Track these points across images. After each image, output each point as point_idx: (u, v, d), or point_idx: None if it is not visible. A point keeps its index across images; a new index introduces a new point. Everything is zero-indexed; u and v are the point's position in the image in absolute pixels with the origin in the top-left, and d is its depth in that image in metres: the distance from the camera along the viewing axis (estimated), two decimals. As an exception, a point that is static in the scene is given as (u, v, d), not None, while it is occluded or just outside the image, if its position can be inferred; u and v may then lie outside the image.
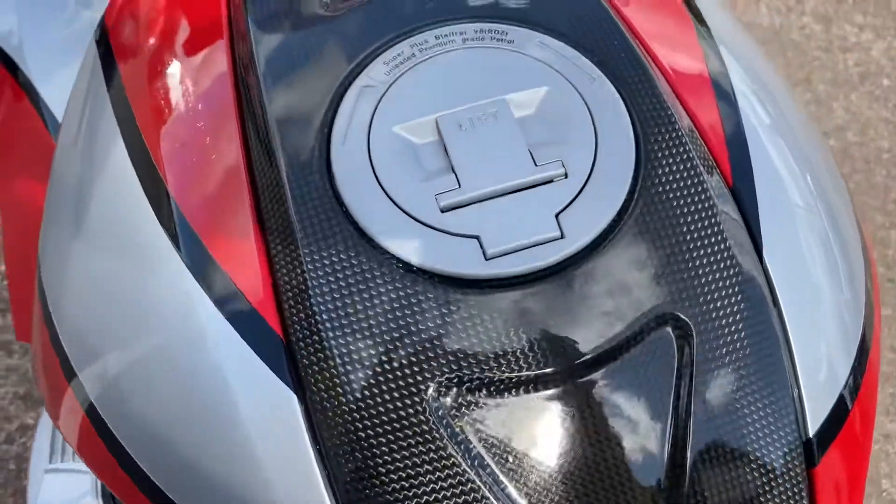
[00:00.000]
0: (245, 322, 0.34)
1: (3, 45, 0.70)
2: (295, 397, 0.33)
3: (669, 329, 0.34)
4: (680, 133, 0.36)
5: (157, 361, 0.36)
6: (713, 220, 0.35)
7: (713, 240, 0.35)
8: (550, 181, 0.35)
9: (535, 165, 0.35)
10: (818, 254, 0.39)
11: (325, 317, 0.33)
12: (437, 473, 0.32)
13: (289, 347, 0.33)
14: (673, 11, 0.46)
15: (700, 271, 0.34)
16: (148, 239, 0.37)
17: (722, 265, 0.34)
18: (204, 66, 0.42)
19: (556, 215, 0.34)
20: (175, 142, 0.39)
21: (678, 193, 0.35)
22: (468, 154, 0.35)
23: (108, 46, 0.46)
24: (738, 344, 0.34)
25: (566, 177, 0.35)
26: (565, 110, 0.37)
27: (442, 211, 0.34)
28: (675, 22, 0.45)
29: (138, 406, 0.37)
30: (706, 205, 0.35)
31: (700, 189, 0.35)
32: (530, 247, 0.34)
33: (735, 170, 0.38)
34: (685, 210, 0.35)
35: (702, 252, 0.34)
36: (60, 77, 0.64)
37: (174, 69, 0.43)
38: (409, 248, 0.34)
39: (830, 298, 0.38)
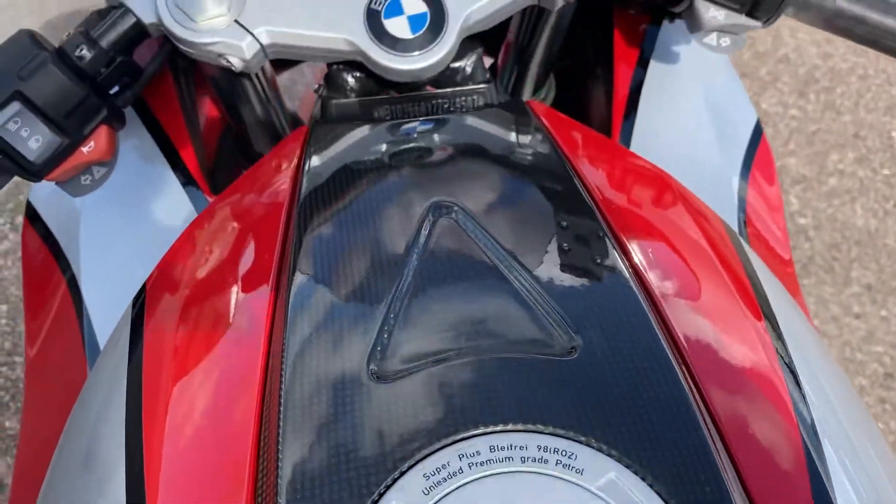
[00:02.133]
0: None
1: (59, 238, 0.65)
2: None
3: None
4: None
5: None
6: None
7: None
8: None
9: None
10: None
11: None
12: None
13: None
14: (751, 345, 0.40)
15: None
16: None
17: None
18: (228, 392, 0.37)
19: None
20: (173, 482, 0.35)
21: None
22: None
23: (139, 324, 0.43)
24: None
25: None
26: None
27: None
28: (756, 375, 0.39)
29: None
30: None
31: None
32: None
33: None
34: None
35: None
36: (113, 299, 0.57)
37: (193, 389, 0.38)
38: None
39: None
